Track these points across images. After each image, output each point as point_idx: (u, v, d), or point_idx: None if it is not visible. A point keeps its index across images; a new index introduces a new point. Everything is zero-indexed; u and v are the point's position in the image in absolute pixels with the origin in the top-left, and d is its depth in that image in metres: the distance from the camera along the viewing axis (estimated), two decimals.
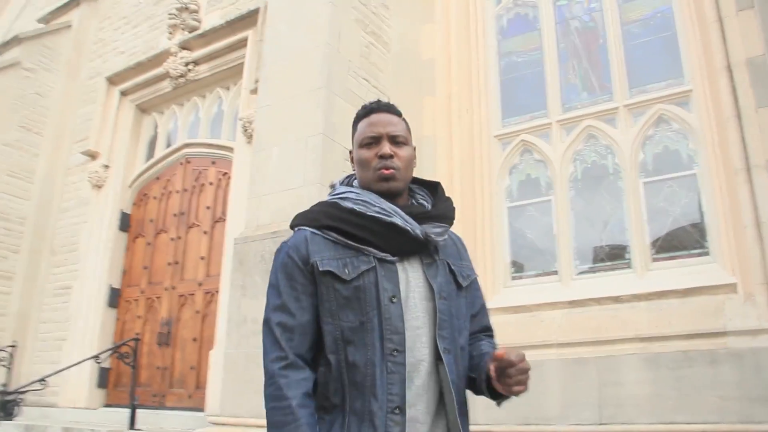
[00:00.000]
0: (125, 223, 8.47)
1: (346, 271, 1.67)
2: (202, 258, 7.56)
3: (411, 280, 1.72)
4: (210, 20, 8.24)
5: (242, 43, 7.68)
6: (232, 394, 5.00)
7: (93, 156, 8.74)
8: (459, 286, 1.80)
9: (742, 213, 4.75)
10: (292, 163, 5.30)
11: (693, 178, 5.21)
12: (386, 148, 1.75)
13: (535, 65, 6.16)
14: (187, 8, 8.45)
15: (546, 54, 6.10)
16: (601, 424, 4.55)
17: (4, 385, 7.33)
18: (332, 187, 1.89)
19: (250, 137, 6.74)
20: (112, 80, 9.00)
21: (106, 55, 9.47)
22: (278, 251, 1.79)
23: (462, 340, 1.76)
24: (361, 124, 1.83)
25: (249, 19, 7.55)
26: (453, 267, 1.80)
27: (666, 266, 5.12)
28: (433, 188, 1.92)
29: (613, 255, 5.36)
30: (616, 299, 4.97)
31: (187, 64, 8.21)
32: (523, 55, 6.29)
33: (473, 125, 6.09)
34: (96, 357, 6.23)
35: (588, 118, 5.70)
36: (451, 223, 1.84)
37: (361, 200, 1.74)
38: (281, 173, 5.36)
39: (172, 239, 7.95)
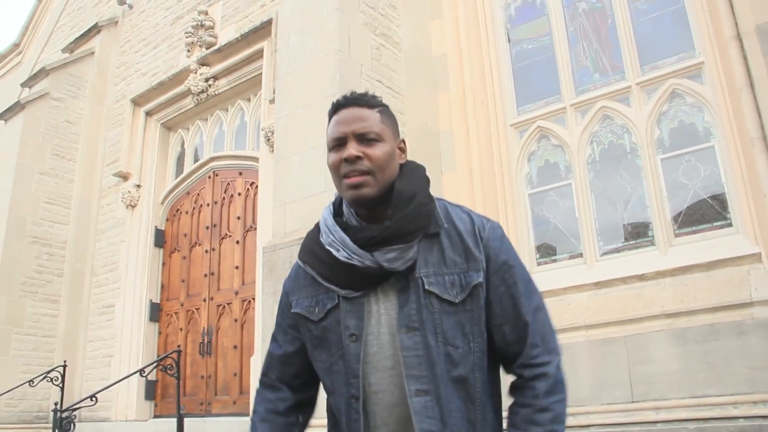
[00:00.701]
0: (160, 239, 8.71)
1: (316, 311, 1.57)
2: (237, 267, 7.75)
3: (383, 314, 1.52)
4: (225, 35, 8.42)
5: (258, 55, 7.85)
6: None
7: (125, 177, 9.01)
8: (450, 303, 1.49)
9: (761, 182, 4.74)
10: (312, 170, 5.43)
11: (711, 150, 5.21)
12: (352, 148, 1.49)
13: (545, 51, 6.20)
14: (202, 25, 8.65)
15: (555, 39, 6.13)
16: (633, 401, 4.60)
17: (57, 403, 7.62)
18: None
19: (272, 146, 6.90)
20: (137, 102, 9.25)
21: (129, 78, 9.73)
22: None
23: (464, 370, 1.48)
24: (330, 125, 1.58)
25: (263, 30, 7.71)
26: (429, 286, 1.49)
27: (689, 240, 5.13)
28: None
29: (636, 233, 5.39)
30: (641, 277, 5.00)
31: (207, 80, 8.41)
32: (533, 41, 6.33)
33: (489, 116, 6.16)
34: (141, 371, 6.44)
35: (602, 99, 5.72)
36: (412, 239, 1.49)
37: (326, 229, 1.57)
38: (303, 180, 5.49)
39: (206, 251, 8.16)
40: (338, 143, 1.52)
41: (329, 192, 5.29)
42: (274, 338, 1.74)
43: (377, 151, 1.50)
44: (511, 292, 1.53)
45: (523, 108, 6.14)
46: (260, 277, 6.39)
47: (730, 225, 5.01)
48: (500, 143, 6.03)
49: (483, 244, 1.54)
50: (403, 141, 1.64)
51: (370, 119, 1.53)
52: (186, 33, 8.74)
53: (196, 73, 8.46)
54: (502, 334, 1.53)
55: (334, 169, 1.53)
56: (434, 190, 5.21)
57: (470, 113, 6.18)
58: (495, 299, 1.53)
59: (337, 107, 1.57)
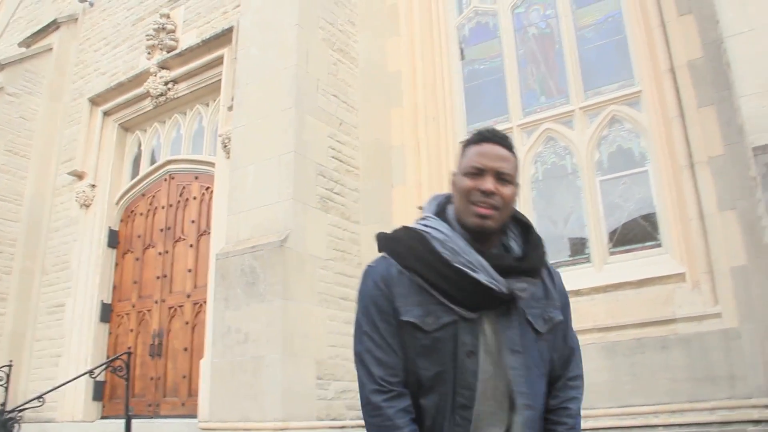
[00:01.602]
0: (114, 239, 8.74)
1: (428, 321, 1.63)
2: (189, 270, 7.84)
3: (489, 334, 1.67)
4: (186, 39, 8.50)
5: (219, 61, 7.95)
6: (220, 401, 5.31)
7: (80, 176, 9.00)
8: (537, 332, 1.71)
9: (687, 206, 5.09)
10: (267, 180, 5.61)
11: (645, 174, 5.55)
12: (489, 183, 1.63)
13: (496, 72, 6.48)
14: (164, 28, 8.71)
15: (506, 61, 6.42)
16: None
17: (2, 404, 7.59)
18: (421, 209, 1.82)
19: (229, 152, 7.02)
20: (95, 101, 9.26)
21: (88, 76, 9.71)
22: (366, 277, 1.75)
23: (539, 389, 1.72)
24: (470, 151, 1.71)
25: (224, 37, 7.82)
26: (529, 316, 1.71)
27: (622, 259, 5.45)
28: (526, 229, 1.79)
29: (574, 250, 5.69)
30: (577, 293, 5.29)
31: (166, 83, 8.48)
32: (485, 62, 6.61)
33: (440, 132, 6.41)
34: (90, 372, 6.51)
35: (547, 121, 6.02)
36: (537, 275, 1.73)
37: (450, 247, 1.65)
38: (257, 190, 5.66)
39: (160, 253, 8.23)
40: (477, 172, 1.65)
41: (283, 202, 5.48)
42: (375, 343, 1.68)
43: (508, 191, 1.66)
44: (565, 327, 1.84)
45: (473, 126, 6.40)
46: (213, 281, 6.52)
47: (659, 245, 5.35)
48: (450, 159, 6.28)
49: (557, 288, 1.82)
50: (518, 185, 1.76)
51: (509, 161, 1.68)
52: (147, 35, 8.79)
53: (155, 75, 8.52)
54: (553, 361, 1.80)
55: (465, 193, 1.66)
56: (384, 203, 5.48)
57: (422, 129, 6.42)
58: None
59: (481, 139, 1.71)
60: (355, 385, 5.52)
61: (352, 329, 5.88)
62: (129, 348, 7.34)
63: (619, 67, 5.90)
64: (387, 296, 1.67)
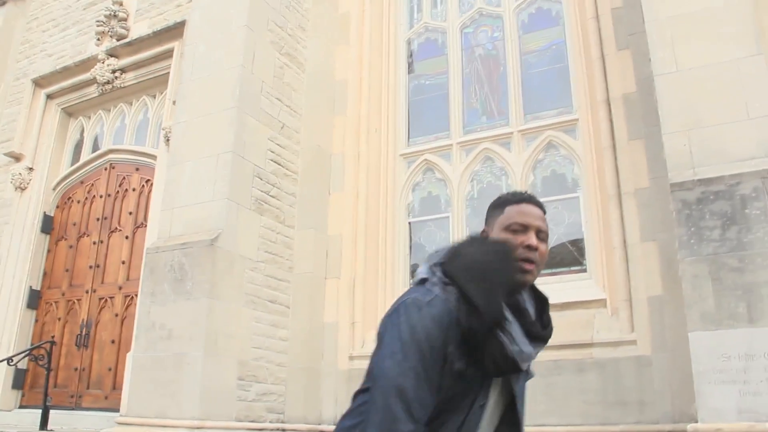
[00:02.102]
0: (48, 225, 8.57)
1: (468, 372, 1.66)
2: (123, 262, 7.74)
3: (496, 389, 1.75)
4: (138, 29, 8.40)
5: (168, 54, 7.88)
6: (138, 396, 5.27)
7: (17, 158, 8.80)
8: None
9: (612, 235, 5.25)
10: (203, 178, 5.59)
11: (576, 200, 5.70)
12: (534, 239, 1.74)
13: (441, 88, 6.59)
14: (116, 16, 8.59)
15: (451, 78, 6.53)
16: None
17: None
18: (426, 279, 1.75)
19: None
20: (39, 83, 9.07)
21: (33, 57, 9.50)
22: (421, 309, 1.64)
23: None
24: (511, 209, 1.79)
25: (175, 30, 7.76)
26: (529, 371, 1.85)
27: (548, 281, 5.55)
28: (543, 301, 1.88)
29: None
30: None
31: (114, 72, 8.37)
32: (430, 78, 6.71)
33: (381, 144, 6.48)
34: (9, 359, 6.37)
35: (486, 141, 6.14)
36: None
37: (510, 334, 1.67)
38: (193, 187, 5.64)
39: (95, 243, 8.11)
40: (521, 229, 1.75)
41: (217, 201, 5.48)
42: (426, 386, 1.62)
43: (545, 248, 1.78)
44: None
45: (414, 140, 6.50)
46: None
47: (584, 271, 5.50)
48: (388, 171, 6.36)
49: None
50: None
51: (546, 223, 1.81)
52: (98, 21, 8.65)
53: (103, 63, 8.40)
54: None
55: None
56: (321, 209, 5.52)
57: (363, 139, 6.48)
58: None
59: (522, 200, 1.81)
60: (277, 387, 5.51)
61: (278, 332, 5.87)
62: (52, 337, 7.21)
63: (559, 93, 6.06)
64: (444, 339, 1.62)
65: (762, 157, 4.12)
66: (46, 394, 6.20)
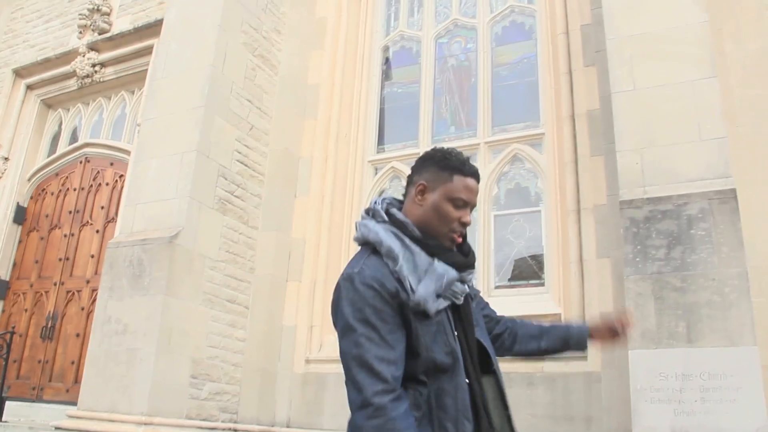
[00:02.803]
0: (20, 216, 8.56)
1: (431, 307, 1.77)
2: (92, 256, 7.74)
3: (451, 317, 1.87)
4: (120, 24, 8.42)
5: (148, 50, 7.90)
6: (91, 389, 5.27)
7: None
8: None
9: (570, 250, 5.28)
10: (168, 175, 5.61)
11: (538, 214, 5.73)
12: (468, 218, 1.85)
13: (412, 97, 6.62)
14: (99, 10, 8.61)
15: (423, 87, 6.57)
16: None
17: None
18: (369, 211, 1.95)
19: None
20: (19, 73, 9.08)
21: (15, 47, 9.50)
22: (352, 282, 1.76)
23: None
24: (458, 180, 1.85)
25: (156, 27, 7.75)
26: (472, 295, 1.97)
27: (507, 294, 5.61)
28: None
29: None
30: None
31: (94, 66, 8.38)
32: (402, 86, 6.75)
33: (349, 149, 6.50)
34: None
35: None
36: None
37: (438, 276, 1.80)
38: (157, 184, 5.65)
39: (65, 235, 8.10)
40: (462, 204, 1.84)
41: (179, 199, 5.49)
42: (380, 343, 1.72)
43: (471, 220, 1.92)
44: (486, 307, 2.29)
45: (383, 147, 6.53)
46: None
47: (542, 284, 5.52)
48: (355, 177, 6.38)
49: None
50: None
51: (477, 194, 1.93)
52: (80, 15, 8.66)
53: (84, 56, 8.41)
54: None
55: (448, 220, 1.83)
56: (285, 212, 5.54)
57: (332, 143, 6.51)
58: None
59: (470, 173, 1.88)
60: (231, 387, 5.51)
61: (235, 332, 5.90)
62: (13, 327, 7.19)
63: (527, 107, 6.10)
64: (385, 293, 1.71)
65: (711, 179, 4.17)
66: (2, 385, 6.19)
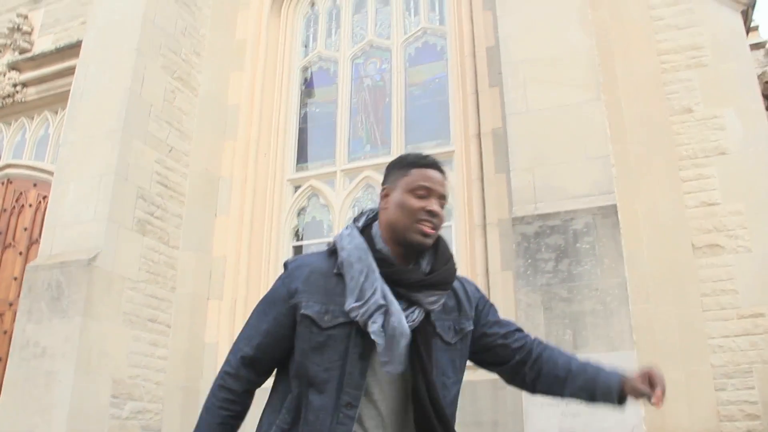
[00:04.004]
0: None
1: (325, 318, 1.71)
2: (15, 278, 7.70)
3: None
4: (42, 44, 8.42)
5: (71, 71, 7.85)
6: (9, 414, 5.28)
7: None
8: (446, 342, 1.82)
9: (477, 264, 5.55)
10: (86, 198, 5.69)
11: (448, 230, 5.99)
12: (436, 205, 1.76)
13: (329, 117, 6.85)
14: (19, 29, 8.58)
15: (339, 107, 6.79)
16: None
17: None
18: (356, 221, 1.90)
19: None
20: None
21: None
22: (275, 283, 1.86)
23: (447, 394, 1.84)
24: (417, 172, 1.79)
25: (78, 48, 7.68)
26: (438, 328, 1.80)
27: None
28: (435, 243, 1.83)
29: None
30: None
31: (15, 85, 8.34)
32: (321, 106, 6.96)
33: (269, 169, 6.68)
34: None
35: (368, 169, 6.40)
36: (448, 288, 1.81)
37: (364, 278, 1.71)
38: (76, 207, 5.73)
39: None
40: (426, 194, 1.76)
41: (98, 222, 5.58)
42: (254, 325, 1.84)
43: (443, 213, 1.82)
44: (493, 322, 1.99)
45: (302, 166, 6.73)
46: None
47: None
48: (275, 195, 6.56)
49: (470, 298, 1.94)
50: None
51: (446, 187, 1.84)
52: (0, 34, 8.63)
53: (4, 76, 8.36)
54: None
55: (412, 212, 1.75)
56: (206, 232, 5.67)
57: (251, 163, 6.67)
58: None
59: (427, 164, 1.81)
60: (154, 405, 5.62)
61: (157, 350, 6.06)
62: None
63: (439, 126, 6.37)
64: (287, 292, 1.76)
65: (595, 195, 4.49)
66: None
